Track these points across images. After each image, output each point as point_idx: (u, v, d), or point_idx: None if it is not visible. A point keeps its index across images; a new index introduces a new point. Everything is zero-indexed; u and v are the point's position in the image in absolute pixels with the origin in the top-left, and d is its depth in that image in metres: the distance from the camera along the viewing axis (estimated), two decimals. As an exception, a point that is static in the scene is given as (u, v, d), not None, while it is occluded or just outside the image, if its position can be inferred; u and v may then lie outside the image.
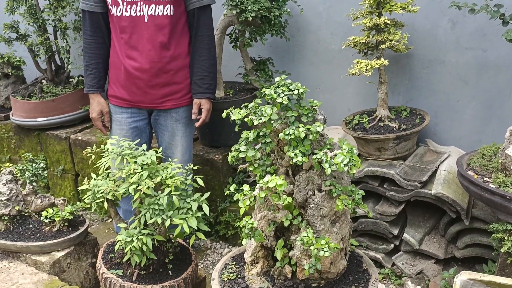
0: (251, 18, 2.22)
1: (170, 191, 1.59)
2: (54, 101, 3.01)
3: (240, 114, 1.26)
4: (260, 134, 1.29)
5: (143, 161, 1.63)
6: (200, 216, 1.60)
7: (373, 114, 2.26)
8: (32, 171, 2.03)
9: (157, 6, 1.95)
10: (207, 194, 1.66)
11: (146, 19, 1.95)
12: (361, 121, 2.21)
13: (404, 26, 2.14)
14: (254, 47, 2.47)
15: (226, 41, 2.49)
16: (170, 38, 2.00)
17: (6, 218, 2.00)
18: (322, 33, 2.52)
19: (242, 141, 1.32)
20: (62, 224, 1.99)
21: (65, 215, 1.98)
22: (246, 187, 1.24)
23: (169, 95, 2.09)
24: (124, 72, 2.04)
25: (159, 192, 1.61)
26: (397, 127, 2.12)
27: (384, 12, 2.07)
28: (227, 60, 2.56)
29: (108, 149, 1.65)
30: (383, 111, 2.20)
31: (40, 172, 2.03)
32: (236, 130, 1.43)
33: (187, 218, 1.58)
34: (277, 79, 1.26)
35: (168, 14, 1.96)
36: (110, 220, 2.95)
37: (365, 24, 2.05)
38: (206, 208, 1.60)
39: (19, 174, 2.05)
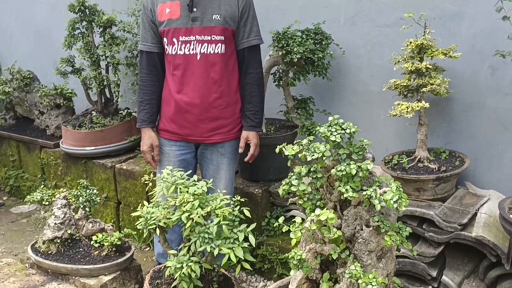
0: (296, 59, 2.34)
1: (219, 221, 1.67)
2: (103, 132, 3.18)
3: (293, 150, 1.35)
4: (311, 169, 1.37)
5: (195, 191, 1.72)
6: (246, 246, 1.67)
7: (412, 155, 2.30)
8: (86, 197, 2.15)
9: (209, 45, 2.08)
10: (253, 225, 1.73)
11: (198, 57, 2.09)
12: (400, 161, 2.26)
13: (444, 71, 2.22)
14: (295, 86, 2.58)
15: (270, 79, 2.61)
16: (220, 74, 2.12)
17: (59, 241, 2.11)
18: (362, 75, 2.62)
19: (293, 175, 1.40)
20: (110, 249, 2.09)
21: (114, 240, 2.08)
22: (298, 219, 1.31)
23: (217, 129, 2.20)
24: (175, 106, 2.17)
25: (209, 221, 1.69)
26: (437, 169, 2.16)
27: (426, 57, 2.15)
28: (269, 98, 2.67)
29: (162, 178, 1.76)
30: (422, 152, 2.24)
31: (93, 198, 2.15)
32: (289, 164, 1.50)
33: (233, 248, 1.65)
34: (330, 118, 1.34)
35: (219, 53, 2.09)
36: (148, 248, 3.03)
37: (407, 68, 2.13)
38: (252, 239, 1.67)
39: (73, 199, 2.18)
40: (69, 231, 2.12)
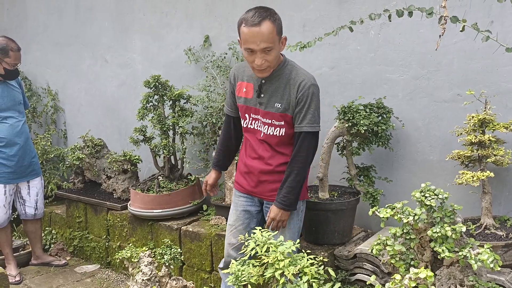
0: (363, 131, 2.56)
1: (308, 279, 1.79)
2: (170, 195, 3.40)
3: (387, 213, 1.51)
4: (404, 231, 1.51)
5: (284, 250, 1.87)
6: (333, 304, 1.77)
7: (477, 222, 2.41)
8: (170, 255, 2.31)
9: (269, 127, 2.32)
10: (338, 284, 1.85)
11: (261, 135, 2.35)
12: (468, 228, 2.36)
13: (505, 143, 2.38)
14: (359, 155, 2.77)
15: (333, 149, 2.82)
16: (281, 149, 2.36)
17: (144, 296, 2.25)
18: (421, 145, 2.79)
19: (388, 238, 1.54)
20: (193, 306, 2.21)
21: (196, 297, 2.20)
22: (397, 276, 1.44)
23: (276, 190, 2.37)
24: (244, 166, 2.46)
25: (298, 279, 1.82)
26: (504, 235, 2.25)
27: (487, 130, 2.33)
28: (332, 166, 2.85)
29: (254, 238, 1.92)
30: (487, 219, 2.35)
31: (177, 256, 2.31)
32: (382, 226, 1.65)
33: (322, 306, 1.76)
34: (422, 184, 1.51)
35: (278, 135, 2.31)
36: (211, 310, 3.11)
37: (470, 140, 2.31)
38: (338, 298, 1.77)
39: (158, 258, 2.34)
40: (154, 287, 2.27)
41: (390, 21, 2.08)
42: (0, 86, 3.46)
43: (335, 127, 2.75)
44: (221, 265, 2.60)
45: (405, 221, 1.47)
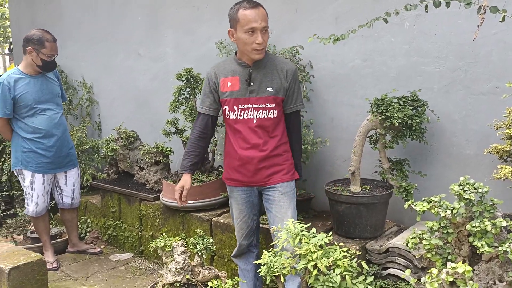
0: (396, 124, 2.52)
1: (341, 271, 1.79)
2: (201, 187, 3.44)
3: (424, 206, 1.49)
4: (442, 225, 1.49)
5: (316, 242, 1.88)
6: (366, 297, 1.77)
7: (515, 218, 2.34)
8: (203, 245, 2.35)
9: (263, 111, 2.52)
10: (371, 278, 1.84)
11: (255, 121, 2.52)
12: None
13: (546, 136, 2.30)
14: (392, 148, 2.73)
15: (366, 142, 2.79)
16: (273, 133, 2.55)
17: (178, 285, 2.30)
18: (456, 139, 2.73)
19: (424, 231, 1.52)
20: (225, 295, 2.24)
21: (228, 287, 2.23)
22: (434, 271, 1.42)
23: (273, 174, 2.57)
24: (239, 160, 2.58)
25: (331, 271, 1.83)
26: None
27: (527, 124, 2.26)
28: (363, 159, 2.83)
29: (287, 229, 1.93)
30: (526, 215, 2.28)
31: (209, 246, 2.35)
32: (418, 220, 1.63)
33: (355, 298, 1.75)
34: (461, 178, 1.48)
35: (271, 117, 2.53)
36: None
37: (510, 134, 2.24)
38: (371, 291, 1.77)
39: (190, 247, 2.38)
40: (187, 276, 2.31)
41: (427, 11, 2.05)
42: (39, 79, 3.58)
43: (367, 120, 2.72)
44: (233, 253, 2.82)
45: (442, 214, 1.45)
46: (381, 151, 2.76)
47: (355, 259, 1.92)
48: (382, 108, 2.60)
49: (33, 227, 3.97)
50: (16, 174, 3.70)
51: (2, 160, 4.66)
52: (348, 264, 1.83)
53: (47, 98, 3.59)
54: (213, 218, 3.35)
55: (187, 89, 3.61)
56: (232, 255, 2.87)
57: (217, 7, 3.75)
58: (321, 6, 3.14)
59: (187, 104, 3.60)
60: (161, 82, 4.31)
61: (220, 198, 3.50)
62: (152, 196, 3.77)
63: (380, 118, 2.62)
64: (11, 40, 11.38)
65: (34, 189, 3.60)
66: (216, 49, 3.69)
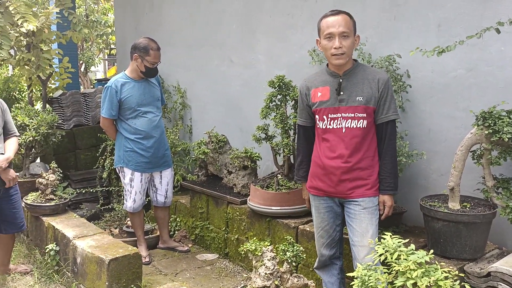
0: (506, 139, 2.34)
1: (443, 293, 1.69)
2: (289, 194, 3.45)
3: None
4: None
5: (416, 260, 1.79)
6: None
7: None
8: (292, 252, 2.35)
9: (353, 120, 2.49)
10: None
11: (343, 131, 2.51)
12: None
13: None
14: (500, 165, 2.54)
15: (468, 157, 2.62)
16: (361, 144, 2.51)
17: (267, 290, 2.32)
18: None
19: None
20: (314, 305, 2.22)
21: (317, 297, 2.21)
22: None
23: (356, 188, 2.54)
24: (323, 169, 2.58)
25: (430, 291, 1.73)
26: None
27: None
28: (464, 175, 2.66)
29: (383, 243, 1.86)
30: None
31: (299, 254, 2.34)
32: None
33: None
34: None
35: (361, 127, 2.49)
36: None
37: None
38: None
39: (280, 254, 2.39)
40: (276, 282, 2.33)
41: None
42: (143, 84, 3.83)
43: (471, 133, 2.56)
44: (315, 265, 2.82)
45: None
46: (486, 167, 2.58)
47: (458, 281, 1.81)
48: (490, 122, 2.43)
49: (129, 222, 4.24)
50: (117, 171, 3.98)
51: (103, 158, 5.05)
52: (450, 286, 1.73)
53: (148, 102, 3.82)
54: (299, 226, 3.34)
55: (279, 96, 3.65)
56: (314, 267, 2.85)
57: (311, 15, 3.76)
58: (423, 13, 3.01)
59: (277, 111, 3.64)
60: (252, 88, 4.41)
61: (305, 206, 3.48)
62: (239, 200, 3.85)
63: (486, 132, 2.45)
64: (111, 47, 12.34)
65: (132, 186, 3.85)
66: (308, 56, 3.69)
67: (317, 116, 2.60)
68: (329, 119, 2.54)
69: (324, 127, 2.57)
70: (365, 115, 2.48)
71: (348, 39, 2.46)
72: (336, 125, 2.52)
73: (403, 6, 3.13)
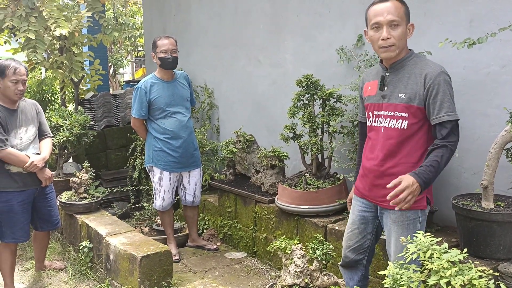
0: (542, 136, 2.28)
1: (477, 292, 1.66)
2: (317, 193, 3.45)
3: None
4: None
5: (449, 258, 1.77)
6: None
7: None
8: (322, 250, 2.35)
9: (391, 120, 2.26)
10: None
11: (382, 130, 2.31)
12: None
13: None
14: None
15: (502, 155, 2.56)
16: (397, 147, 2.25)
17: (296, 287, 2.33)
18: None
19: None
20: (344, 304, 2.22)
21: (347, 295, 2.20)
22: None
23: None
24: (362, 169, 2.45)
25: (465, 290, 1.71)
26: None
27: None
28: (498, 173, 2.59)
29: (416, 242, 1.84)
30: None
31: (329, 252, 2.34)
32: None
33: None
34: None
35: (399, 128, 2.24)
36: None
37: None
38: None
39: (310, 252, 2.40)
40: (306, 280, 2.33)
41: None
42: (172, 84, 3.89)
43: (505, 131, 2.50)
44: (341, 262, 2.63)
45: None
46: (520, 165, 2.51)
47: (492, 281, 1.77)
48: (525, 119, 2.36)
49: (158, 220, 4.31)
50: (147, 170, 4.06)
51: (133, 158, 5.15)
52: (485, 286, 1.69)
53: (177, 102, 3.88)
54: (328, 225, 3.33)
55: (306, 95, 3.65)
56: (340, 263, 2.69)
57: (339, 14, 3.75)
58: (454, 9, 2.96)
59: (305, 110, 3.64)
60: (279, 88, 4.41)
61: (335, 205, 3.47)
62: (267, 199, 3.87)
63: (521, 129, 2.39)
64: (138, 49, 12.55)
65: (161, 185, 3.92)
66: (336, 55, 3.68)
67: (366, 113, 2.43)
68: (374, 116, 2.34)
69: (369, 124, 2.39)
70: (406, 114, 2.20)
71: (398, 28, 2.16)
72: (378, 123, 2.31)
73: (434, 1, 3.08)
